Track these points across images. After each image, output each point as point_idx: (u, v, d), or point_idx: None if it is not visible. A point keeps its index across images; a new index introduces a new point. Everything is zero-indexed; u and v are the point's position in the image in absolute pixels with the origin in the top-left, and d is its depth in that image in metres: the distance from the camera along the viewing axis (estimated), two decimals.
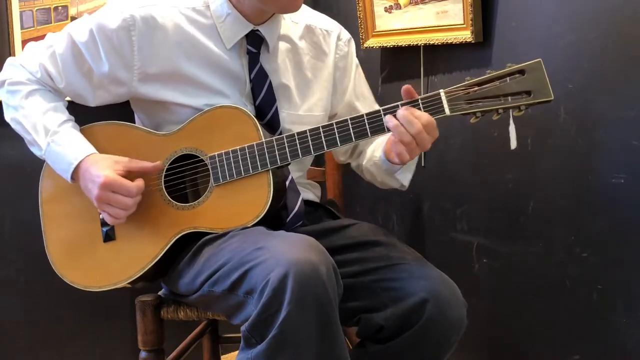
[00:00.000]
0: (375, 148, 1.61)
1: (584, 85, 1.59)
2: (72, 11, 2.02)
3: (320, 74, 1.63)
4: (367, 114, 1.41)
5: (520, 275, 1.79)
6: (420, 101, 1.38)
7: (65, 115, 1.52)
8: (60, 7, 2.02)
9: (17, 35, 1.98)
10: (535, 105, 1.36)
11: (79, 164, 1.45)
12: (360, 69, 1.72)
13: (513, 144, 1.40)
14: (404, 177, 1.57)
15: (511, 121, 1.39)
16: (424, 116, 1.36)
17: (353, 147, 1.69)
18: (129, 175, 1.44)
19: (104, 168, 1.42)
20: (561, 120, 1.64)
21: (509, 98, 1.36)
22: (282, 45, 1.58)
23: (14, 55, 1.95)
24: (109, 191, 1.41)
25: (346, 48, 1.67)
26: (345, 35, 1.69)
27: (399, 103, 1.39)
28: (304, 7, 1.63)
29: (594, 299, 1.62)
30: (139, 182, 1.44)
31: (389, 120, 1.37)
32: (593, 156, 1.59)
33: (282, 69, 1.57)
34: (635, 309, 1.54)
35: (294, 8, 1.48)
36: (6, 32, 1.97)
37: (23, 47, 1.95)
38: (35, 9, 2.00)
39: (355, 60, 1.71)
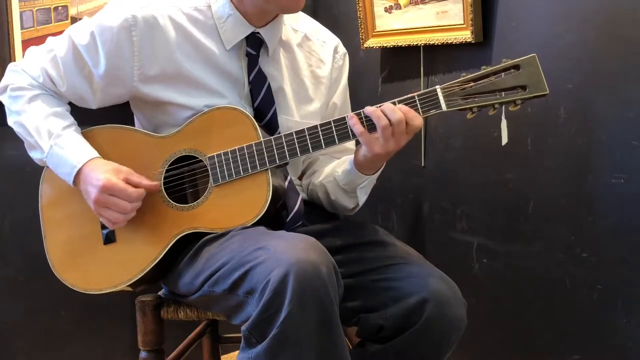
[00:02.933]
0: (337, 165, 1.59)
1: (584, 85, 1.60)
2: (72, 11, 2.02)
3: (318, 83, 1.63)
4: (364, 111, 1.41)
5: (520, 275, 1.79)
6: (417, 97, 1.39)
7: (68, 120, 1.52)
8: (60, 7, 2.02)
9: (17, 35, 1.98)
10: (530, 99, 1.37)
11: (81, 168, 1.45)
12: (347, 90, 1.71)
13: (504, 139, 1.41)
14: (362, 196, 1.55)
15: (503, 117, 1.39)
16: (413, 116, 1.37)
17: (307, 164, 1.67)
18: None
19: (105, 172, 1.42)
20: (561, 120, 1.64)
21: (504, 93, 1.37)
22: (282, 51, 1.59)
23: (13, 55, 1.96)
24: (108, 194, 1.41)
25: (341, 61, 1.68)
26: (342, 49, 1.69)
27: (396, 100, 1.40)
28: (306, 17, 1.64)
29: (594, 299, 1.62)
30: (140, 190, 1.44)
31: (367, 107, 1.38)
32: (593, 156, 1.59)
33: (280, 74, 1.57)
34: (635, 309, 1.54)
35: (296, 8, 1.48)
36: (6, 32, 1.97)
37: (23, 47, 1.95)
38: (35, 9, 2.00)
39: (346, 78, 1.70)
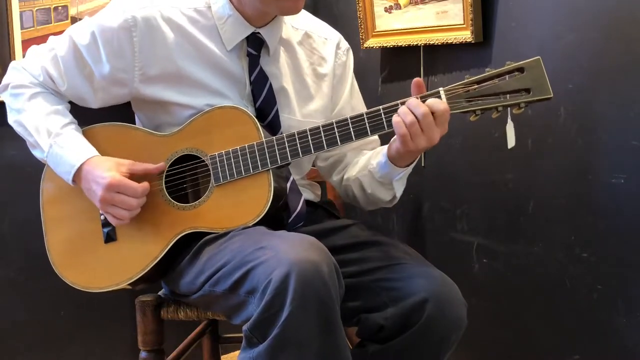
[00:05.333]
0: (372, 156, 1.58)
1: (584, 85, 1.60)
2: (72, 11, 2.02)
3: (320, 81, 1.62)
4: (367, 113, 1.41)
5: (520, 275, 1.79)
6: (419, 99, 1.38)
7: (67, 118, 1.52)
8: (60, 7, 2.02)
9: (17, 35, 1.98)
10: (534, 102, 1.36)
11: (81, 167, 1.45)
12: (355, 83, 1.70)
13: (510, 143, 1.41)
14: (399, 188, 1.55)
15: (509, 120, 1.39)
16: (436, 103, 1.35)
17: (335, 159, 1.67)
18: (132, 177, 1.44)
19: (108, 169, 1.42)
20: (561, 120, 1.64)
21: (508, 96, 1.36)
22: (282, 50, 1.58)
23: (13, 55, 1.96)
24: (113, 192, 1.41)
25: (344, 57, 1.67)
26: (345, 44, 1.68)
27: (399, 102, 1.39)
28: (306, 14, 1.63)
29: (594, 299, 1.62)
30: (144, 184, 1.44)
31: (400, 111, 1.36)
32: (593, 156, 1.59)
33: (282, 73, 1.57)
34: (635, 309, 1.54)
35: (294, 10, 1.48)
36: (6, 32, 1.97)
37: (23, 47, 1.96)
38: (35, 9, 2.00)
39: (352, 72, 1.69)
